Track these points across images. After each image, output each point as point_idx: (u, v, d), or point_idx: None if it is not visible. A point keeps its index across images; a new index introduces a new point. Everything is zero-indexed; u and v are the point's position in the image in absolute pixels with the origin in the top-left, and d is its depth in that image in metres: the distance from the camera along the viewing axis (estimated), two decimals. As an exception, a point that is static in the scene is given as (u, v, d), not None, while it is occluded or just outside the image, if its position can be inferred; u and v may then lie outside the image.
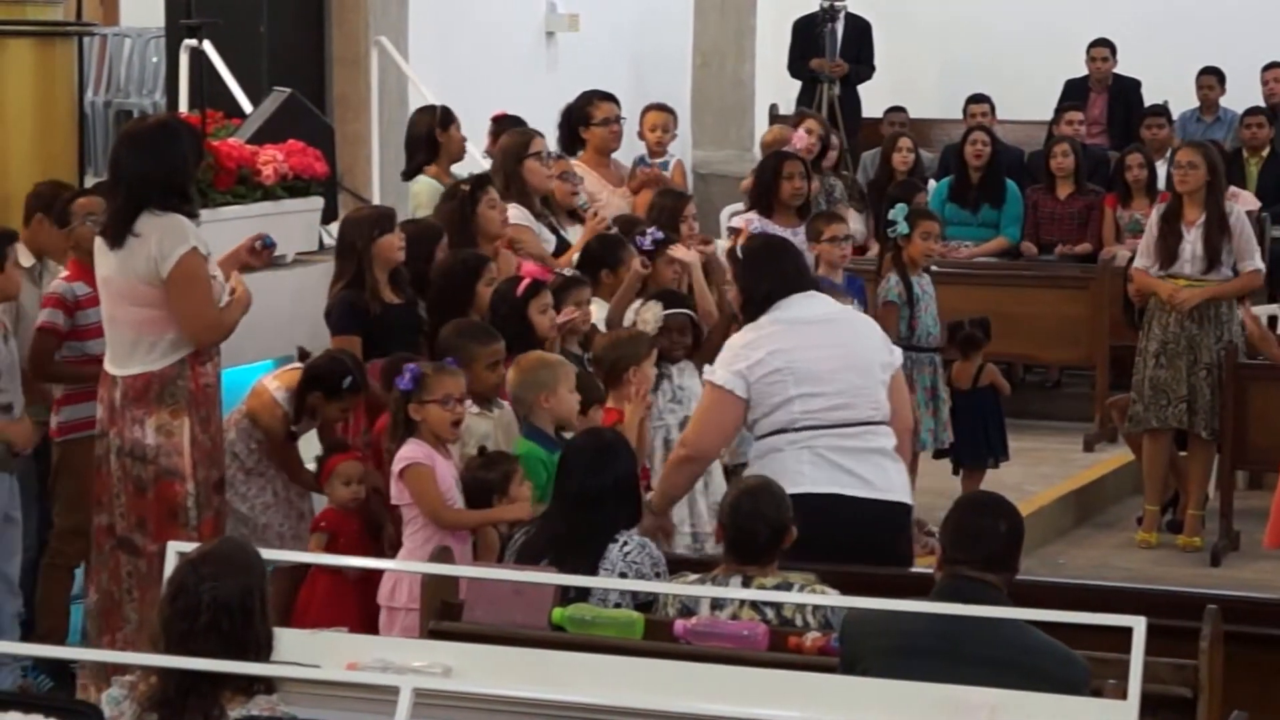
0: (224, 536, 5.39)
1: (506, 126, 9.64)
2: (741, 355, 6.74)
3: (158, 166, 6.81)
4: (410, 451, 6.70)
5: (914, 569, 6.36)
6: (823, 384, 6.67)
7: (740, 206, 10.96)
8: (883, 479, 6.69)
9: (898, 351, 6.93)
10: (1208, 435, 10.00)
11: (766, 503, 5.93)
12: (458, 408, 6.77)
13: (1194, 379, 9.99)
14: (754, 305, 6.89)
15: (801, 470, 6.58)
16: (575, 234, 9.18)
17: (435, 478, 6.68)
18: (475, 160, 10.04)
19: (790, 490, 6.21)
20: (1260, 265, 10.19)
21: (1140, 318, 10.33)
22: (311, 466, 7.48)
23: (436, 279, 7.88)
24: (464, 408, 6.83)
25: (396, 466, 6.71)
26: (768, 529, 5.89)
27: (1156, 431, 10.11)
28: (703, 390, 7.02)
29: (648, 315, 7.90)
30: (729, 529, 5.94)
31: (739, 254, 7.63)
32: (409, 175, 9.71)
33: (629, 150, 10.89)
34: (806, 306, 6.79)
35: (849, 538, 6.42)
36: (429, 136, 9.65)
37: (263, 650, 4.51)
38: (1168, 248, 10.01)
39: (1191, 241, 9.98)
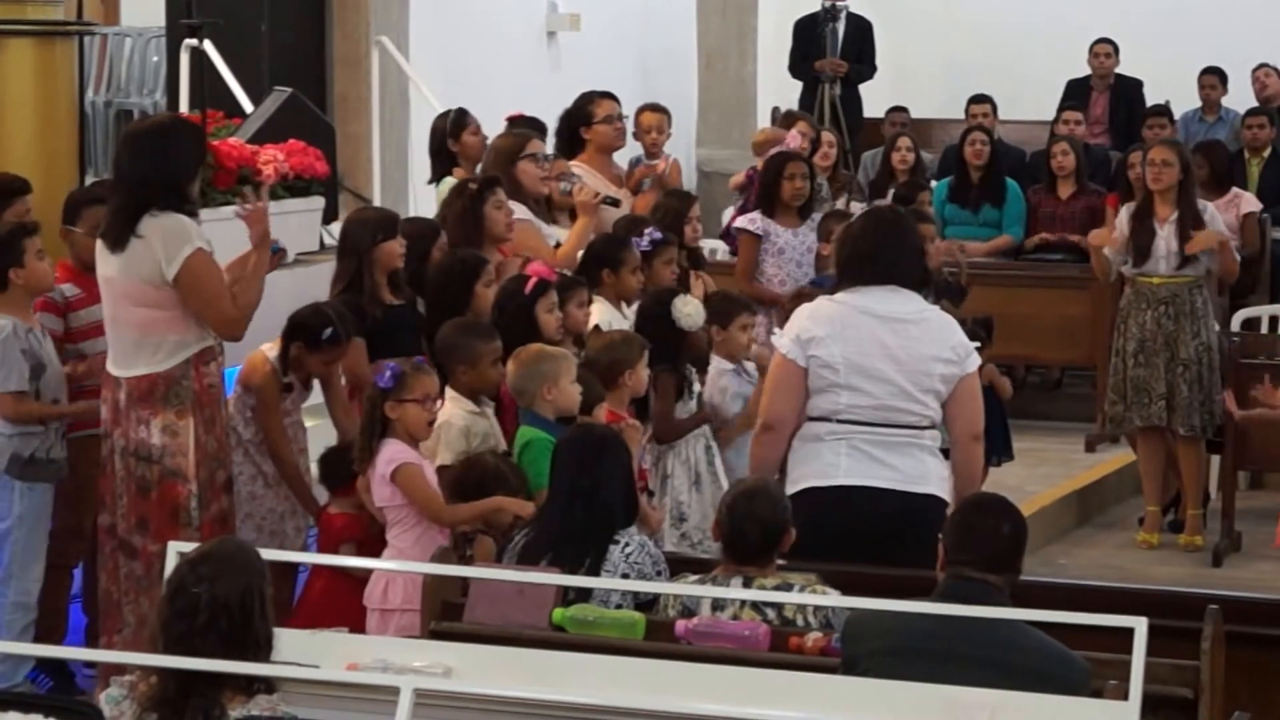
0: (224, 536, 5.38)
1: (529, 126, 9.65)
2: (806, 327, 6.74)
3: (157, 168, 6.81)
4: (397, 452, 6.71)
5: (914, 570, 6.33)
6: (872, 383, 6.64)
7: (733, 209, 10.97)
8: (918, 470, 6.66)
9: (973, 358, 6.81)
10: (1186, 431, 10.01)
11: (761, 504, 5.92)
12: (433, 407, 6.79)
13: (1171, 376, 10.00)
14: (845, 275, 6.85)
15: (838, 463, 6.61)
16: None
17: (425, 476, 6.68)
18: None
19: (825, 483, 6.33)
20: (1236, 258, 10.24)
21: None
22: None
23: (434, 278, 7.86)
24: (438, 407, 6.84)
25: (386, 468, 6.70)
26: (760, 530, 5.88)
27: (1148, 431, 10.11)
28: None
29: (689, 310, 7.85)
30: (725, 529, 5.94)
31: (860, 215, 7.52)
32: (434, 180, 9.71)
33: (629, 150, 10.88)
34: (885, 301, 6.71)
35: (882, 530, 6.46)
36: (443, 146, 9.67)
37: (262, 650, 4.50)
38: (1140, 245, 10.04)
39: (1165, 238, 10.01)
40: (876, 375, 6.66)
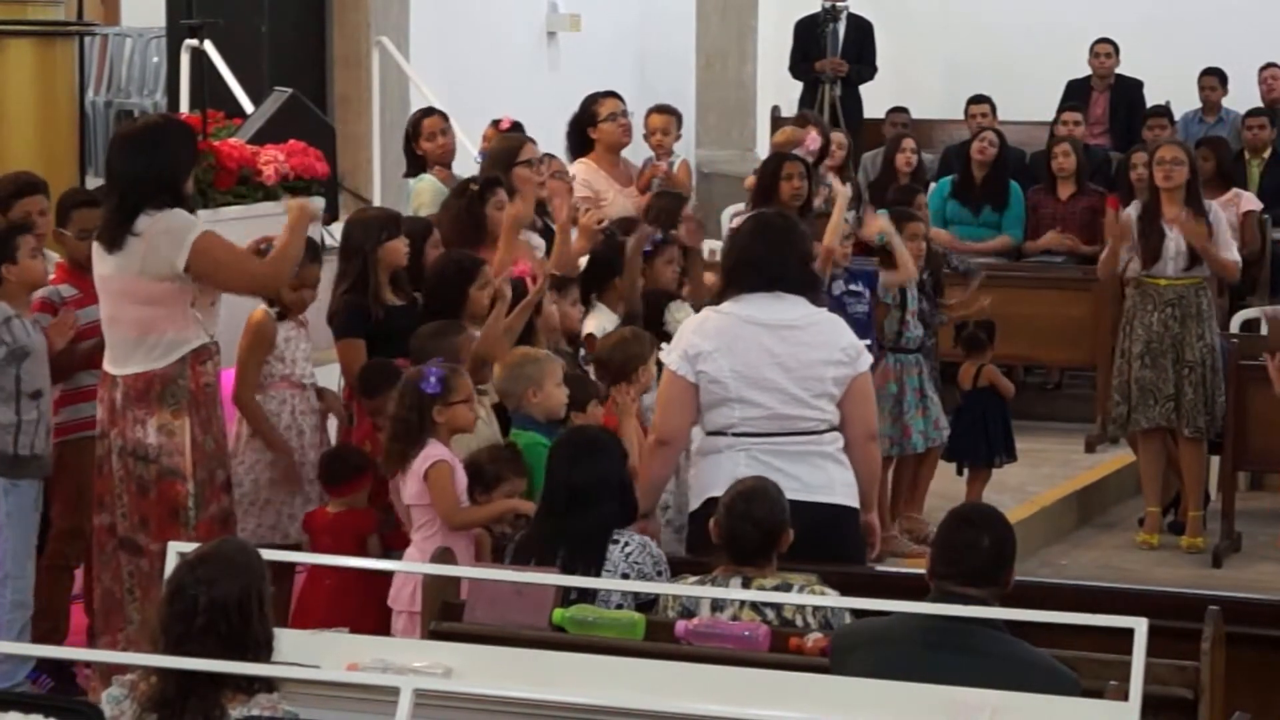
0: (224, 537, 5.37)
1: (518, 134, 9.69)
2: (693, 342, 6.67)
3: (148, 167, 6.80)
4: (437, 450, 6.70)
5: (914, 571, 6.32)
6: (763, 394, 6.58)
7: (742, 206, 10.96)
8: (821, 479, 6.58)
9: (864, 358, 6.72)
10: (1191, 433, 9.99)
11: (759, 505, 5.91)
12: (476, 406, 6.81)
13: (1178, 377, 9.99)
14: (730, 283, 6.77)
15: (736, 473, 6.43)
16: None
17: (455, 478, 6.68)
18: (469, 162, 10.02)
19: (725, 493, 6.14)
20: (1237, 258, 10.22)
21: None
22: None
23: (429, 280, 7.84)
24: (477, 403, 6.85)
25: (422, 465, 6.69)
26: (758, 531, 5.87)
27: (1149, 432, 10.10)
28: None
29: (681, 316, 7.83)
30: (723, 529, 5.94)
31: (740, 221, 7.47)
32: (409, 173, 9.73)
33: (638, 150, 10.88)
34: (768, 308, 6.64)
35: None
36: (409, 146, 9.71)
37: (262, 650, 4.49)
38: (1150, 247, 10.01)
39: (1174, 239, 9.98)
40: (766, 385, 6.58)
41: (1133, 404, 10.07)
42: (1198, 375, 9.98)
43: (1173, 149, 10.18)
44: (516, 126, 9.82)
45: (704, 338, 6.65)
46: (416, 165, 9.71)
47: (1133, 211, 10.18)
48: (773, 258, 6.69)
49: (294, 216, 7.03)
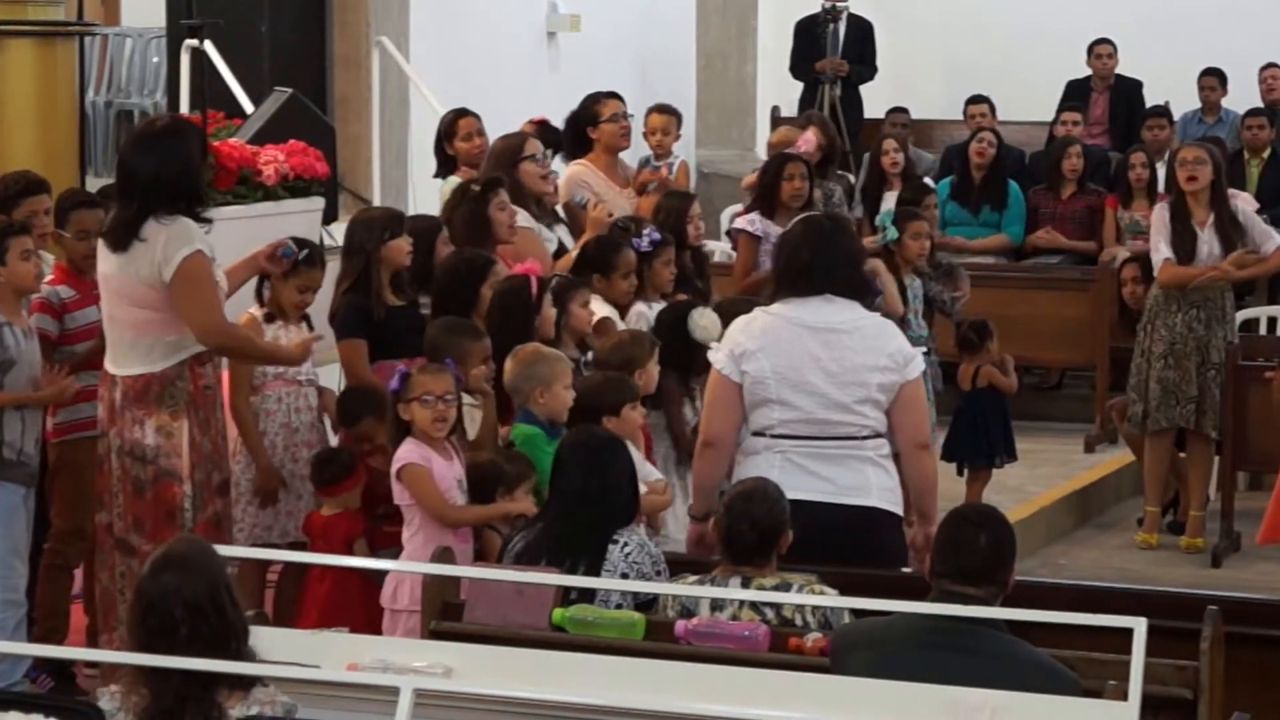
0: (176, 537, 5.28)
1: (547, 132, 9.68)
2: (739, 341, 6.67)
3: (169, 169, 6.77)
4: (406, 451, 6.71)
5: (913, 571, 6.32)
6: (802, 396, 6.55)
7: (741, 206, 10.98)
8: (856, 481, 6.54)
9: (914, 364, 6.64)
10: (1216, 435, 9.97)
11: (758, 505, 5.91)
12: (439, 405, 6.72)
13: (1203, 379, 9.96)
14: (780, 285, 6.77)
15: (770, 475, 6.40)
16: (559, 234, 9.17)
17: (431, 477, 6.68)
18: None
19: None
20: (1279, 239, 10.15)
21: (1133, 317, 10.32)
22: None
23: (441, 278, 7.84)
24: (448, 406, 6.76)
25: (394, 467, 6.72)
26: (755, 531, 5.87)
27: (1159, 433, 10.08)
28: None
29: (705, 323, 7.81)
30: (722, 529, 5.95)
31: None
32: (437, 175, 9.74)
33: (638, 150, 10.88)
34: (818, 311, 6.62)
35: (818, 542, 6.20)
36: (441, 147, 9.69)
37: (242, 640, 4.48)
38: (1184, 248, 9.95)
39: (1207, 241, 9.94)
40: (806, 388, 6.55)
41: (1153, 403, 10.01)
42: (1224, 377, 9.95)
43: (1194, 149, 10.12)
44: (545, 125, 9.83)
45: (749, 337, 6.65)
46: (446, 166, 9.69)
47: (1164, 213, 10.12)
48: (821, 262, 6.65)
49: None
